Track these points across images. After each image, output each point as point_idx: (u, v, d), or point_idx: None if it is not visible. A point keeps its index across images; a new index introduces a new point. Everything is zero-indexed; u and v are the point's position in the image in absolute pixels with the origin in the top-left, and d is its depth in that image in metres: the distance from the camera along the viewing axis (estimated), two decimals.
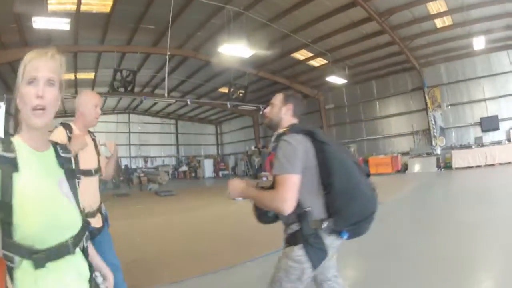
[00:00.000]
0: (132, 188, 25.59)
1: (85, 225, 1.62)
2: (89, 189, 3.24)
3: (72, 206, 1.56)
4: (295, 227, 2.41)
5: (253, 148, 32.87)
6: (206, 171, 36.06)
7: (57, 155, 1.63)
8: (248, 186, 2.52)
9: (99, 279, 1.73)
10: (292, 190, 2.28)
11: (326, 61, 21.85)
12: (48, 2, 13.51)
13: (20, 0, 13.06)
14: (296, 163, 2.33)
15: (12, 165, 1.39)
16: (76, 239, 1.52)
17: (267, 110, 2.86)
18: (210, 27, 17.64)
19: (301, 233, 2.36)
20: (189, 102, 26.37)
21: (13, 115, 19.85)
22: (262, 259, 5.61)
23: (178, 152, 39.27)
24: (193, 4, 15.30)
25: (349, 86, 25.35)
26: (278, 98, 2.82)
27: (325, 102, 28.00)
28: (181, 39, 19.50)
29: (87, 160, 3.29)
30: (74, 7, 14.29)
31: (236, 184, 2.55)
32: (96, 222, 3.25)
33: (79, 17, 15.10)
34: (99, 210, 3.35)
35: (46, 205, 1.41)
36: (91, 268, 1.66)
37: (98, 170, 3.41)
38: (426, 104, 22.37)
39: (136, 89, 25.90)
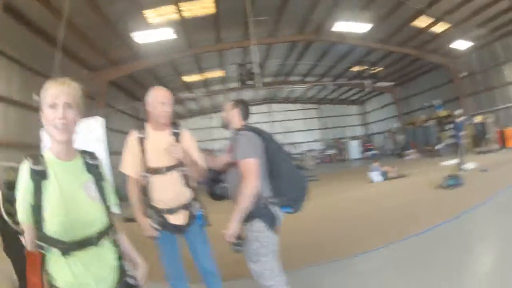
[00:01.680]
0: None
1: (111, 221, 1.98)
2: (163, 187, 3.37)
3: (97, 206, 1.92)
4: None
5: (395, 125, 30.83)
6: (352, 153, 35.19)
7: (84, 162, 1.99)
8: (231, 223, 3.03)
9: (127, 267, 2.06)
10: (255, 171, 3.04)
11: (449, 25, 19.41)
12: (146, 16, 14.26)
13: (119, 19, 14.33)
14: (254, 150, 3.10)
15: (41, 175, 1.78)
16: (101, 234, 1.89)
17: (223, 114, 3.68)
18: (323, 7, 17.07)
19: (256, 208, 3.05)
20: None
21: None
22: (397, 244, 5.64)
23: (323, 136, 38.90)
24: None
25: (478, 50, 22.20)
26: (228, 105, 3.64)
27: (458, 71, 24.60)
28: (298, 24, 19.42)
29: (157, 159, 3.38)
30: (176, 16, 15.30)
31: (228, 232, 3.03)
32: (175, 219, 3.39)
33: (186, 24, 16.12)
34: (183, 207, 3.40)
35: (68, 206, 1.78)
36: (120, 258, 2.01)
37: (174, 167, 3.39)
38: None
39: (268, 79, 26.44)
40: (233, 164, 3.24)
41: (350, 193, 11.81)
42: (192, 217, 3.44)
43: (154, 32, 15.05)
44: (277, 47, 22.07)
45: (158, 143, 3.38)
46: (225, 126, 3.66)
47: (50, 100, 1.82)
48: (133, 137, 3.49)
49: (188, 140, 3.53)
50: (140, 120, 24.07)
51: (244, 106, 3.62)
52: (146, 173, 3.39)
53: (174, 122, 3.59)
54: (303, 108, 38.51)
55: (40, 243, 1.75)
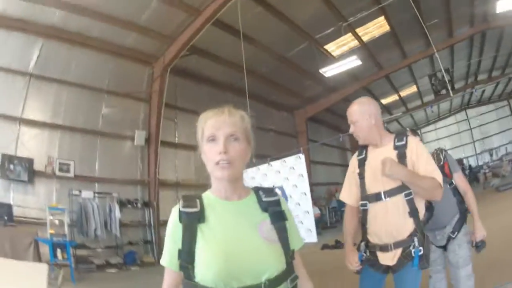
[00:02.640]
0: (477, 187, 22.00)
1: (289, 268, 1.60)
2: (380, 217, 2.77)
3: (271, 249, 1.56)
4: (456, 217, 3.63)
5: None
6: None
7: (259, 200, 1.68)
8: (479, 226, 3.66)
9: None
10: (466, 179, 3.85)
11: None
12: (329, 50, 15.91)
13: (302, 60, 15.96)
14: (458, 166, 3.89)
15: (196, 218, 1.55)
16: (273, 282, 1.51)
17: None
18: None
19: (464, 218, 3.63)
20: None
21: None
22: None
23: None
24: None
25: None
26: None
27: None
28: (466, 16, 18.05)
29: (374, 182, 2.82)
30: (355, 42, 16.06)
31: (482, 233, 3.69)
32: (386, 258, 2.75)
33: (368, 47, 16.81)
34: (399, 244, 2.69)
35: (230, 252, 1.49)
36: None
37: (396, 191, 2.70)
38: None
39: (461, 84, 26.37)
40: None
41: None
42: (407, 257, 2.66)
43: (340, 63, 15.61)
44: (459, 47, 20.64)
45: (376, 163, 2.79)
46: None
47: (208, 132, 1.60)
48: (353, 160, 3.08)
49: (416, 151, 2.75)
50: (344, 150, 25.63)
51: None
52: (363, 200, 2.89)
53: (401, 132, 2.91)
54: (496, 108, 34.50)
55: None
